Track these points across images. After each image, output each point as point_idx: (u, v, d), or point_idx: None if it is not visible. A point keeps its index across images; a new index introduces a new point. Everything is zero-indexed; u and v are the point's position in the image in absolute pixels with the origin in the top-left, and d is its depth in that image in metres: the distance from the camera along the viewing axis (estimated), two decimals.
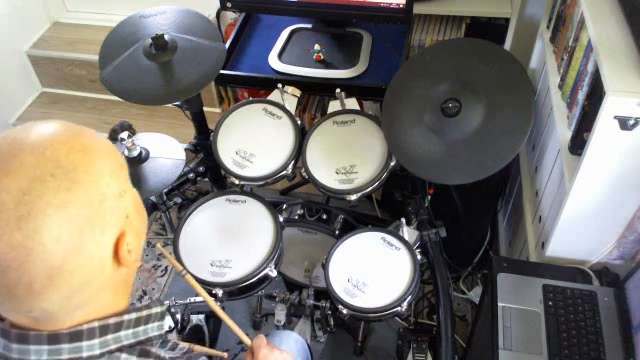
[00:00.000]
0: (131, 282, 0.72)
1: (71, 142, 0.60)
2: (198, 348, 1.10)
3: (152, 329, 0.70)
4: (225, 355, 1.07)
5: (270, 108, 1.52)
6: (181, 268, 1.07)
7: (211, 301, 1.04)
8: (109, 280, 0.64)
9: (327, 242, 1.49)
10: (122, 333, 0.66)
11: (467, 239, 1.82)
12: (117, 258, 0.63)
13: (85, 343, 0.62)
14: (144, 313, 0.69)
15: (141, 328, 0.69)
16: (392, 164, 1.39)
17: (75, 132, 0.62)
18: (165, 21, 1.48)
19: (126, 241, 0.63)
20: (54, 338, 0.61)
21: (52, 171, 0.56)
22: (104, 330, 0.64)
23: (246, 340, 1.00)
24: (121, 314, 0.67)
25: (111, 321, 0.65)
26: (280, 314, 1.66)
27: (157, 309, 0.71)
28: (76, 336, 0.62)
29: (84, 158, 0.59)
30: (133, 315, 0.68)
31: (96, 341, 0.63)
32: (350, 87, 1.56)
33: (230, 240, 1.37)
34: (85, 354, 0.62)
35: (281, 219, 1.40)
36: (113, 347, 0.65)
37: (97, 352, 0.63)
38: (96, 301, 0.65)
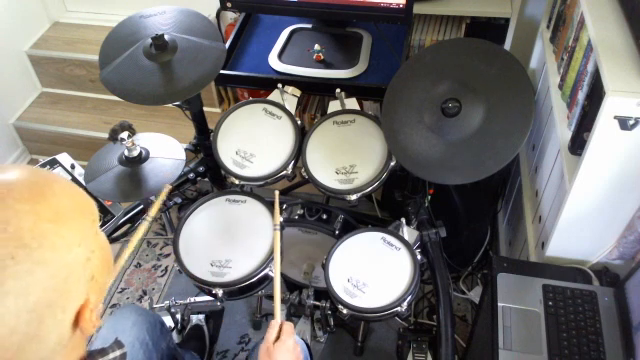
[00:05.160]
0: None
1: (38, 208, 0.51)
2: None
3: None
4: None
5: (270, 108, 1.52)
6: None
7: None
8: (64, 348, 0.58)
9: (327, 242, 1.49)
10: None
11: (467, 239, 1.82)
12: (77, 325, 0.57)
13: None
14: None
15: None
16: (392, 164, 1.39)
17: (42, 188, 0.53)
18: (165, 21, 1.48)
19: (89, 307, 0.57)
20: None
21: (13, 252, 0.49)
22: None
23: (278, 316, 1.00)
24: None
25: None
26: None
27: (115, 354, 0.65)
28: None
29: (52, 230, 0.52)
30: None
31: None
32: (350, 87, 1.57)
33: (230, 240, 1.37)
34: None
35: (281, 219, 1.40)
36: None
37: None
38: None
